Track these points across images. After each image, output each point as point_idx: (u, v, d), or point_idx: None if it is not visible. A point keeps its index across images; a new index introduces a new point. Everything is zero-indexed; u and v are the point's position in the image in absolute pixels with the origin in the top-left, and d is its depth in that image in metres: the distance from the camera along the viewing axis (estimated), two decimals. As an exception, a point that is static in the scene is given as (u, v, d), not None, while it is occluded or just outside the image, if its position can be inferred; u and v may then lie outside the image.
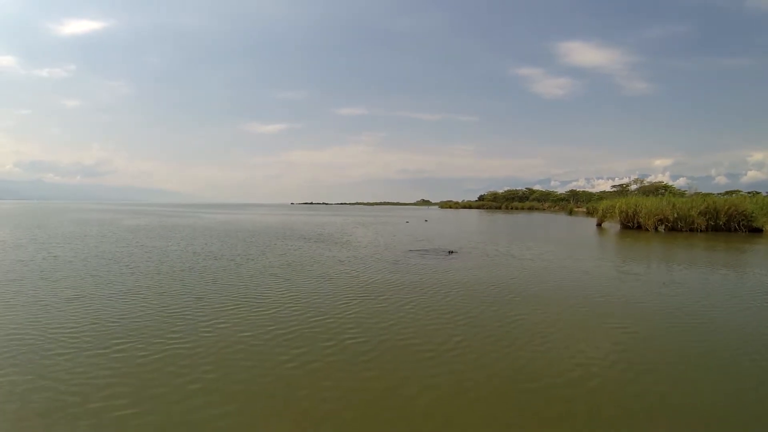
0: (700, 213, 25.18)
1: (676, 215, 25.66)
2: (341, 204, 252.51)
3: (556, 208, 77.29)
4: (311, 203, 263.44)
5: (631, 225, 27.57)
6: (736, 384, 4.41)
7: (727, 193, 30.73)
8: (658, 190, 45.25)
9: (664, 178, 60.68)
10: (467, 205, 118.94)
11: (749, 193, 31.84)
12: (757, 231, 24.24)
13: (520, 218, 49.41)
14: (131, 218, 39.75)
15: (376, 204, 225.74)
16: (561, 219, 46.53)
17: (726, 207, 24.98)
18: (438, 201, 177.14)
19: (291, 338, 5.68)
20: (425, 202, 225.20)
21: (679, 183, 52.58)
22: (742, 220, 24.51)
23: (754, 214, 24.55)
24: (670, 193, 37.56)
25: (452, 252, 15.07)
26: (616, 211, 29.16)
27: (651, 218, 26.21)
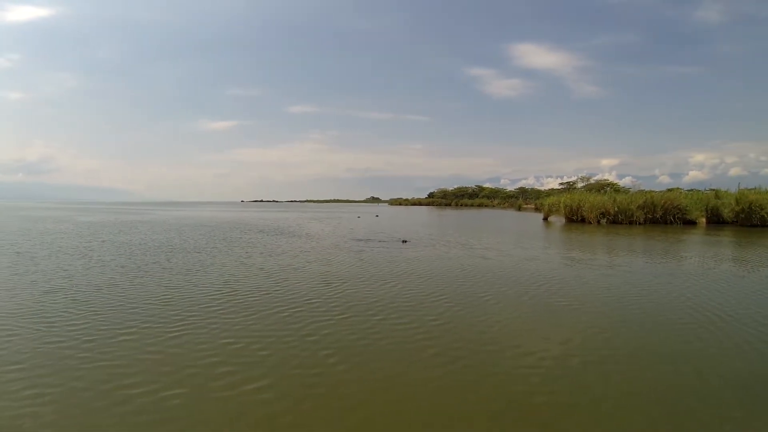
0: (638, 207, 26.59)
1: (616, 209, 26.90)
2: (291, 201, 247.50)
3: (505, 204, 79.33)
4: (261, 201, 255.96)
5: (576, 218, 28.47)
6: (682, 340, 4.99)
7: (668, 190, 32.27)
8: (603, 187, 47.15)
9: (611, 177, 63.53)
10: (417, 202, 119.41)
11: (689, 190, 33.70)
12: (691, 223, 25.70)
13: (469, 214, 50.33)
14: (85, 216, 38.28)
15: (326, 201, 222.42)
16: (509, 214, 48.01)
17: (662, 201, 26.47)
18: (388, 198, 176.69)
19: (282, 318, 5.83)
20: (375, 200, 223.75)
21: (625, 182, 55.27)
22: (677, 213, 25.98)
23: (688, 208, 26.10)
24: (613, 189, 39.07)
25: (405, 241, 15.98)
26: (562, 206, 29.85)
27: (594, 212, 27.19)
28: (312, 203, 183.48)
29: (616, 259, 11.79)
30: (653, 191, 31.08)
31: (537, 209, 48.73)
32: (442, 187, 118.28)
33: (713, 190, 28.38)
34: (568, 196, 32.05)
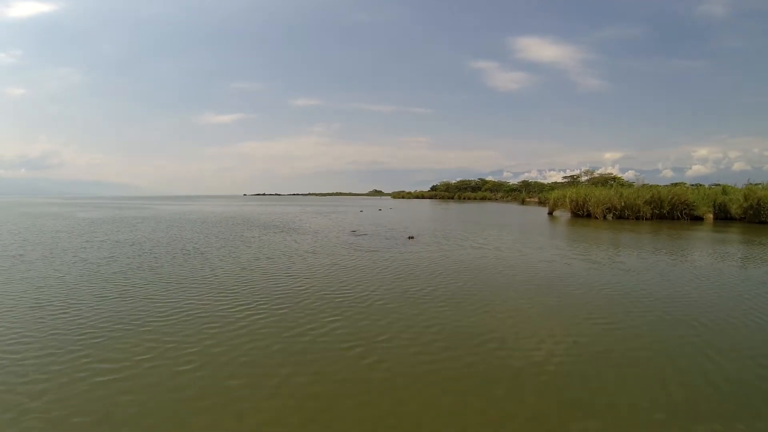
0: (645, 202, 26.28)
1: (623, 204, 26.63)
2: (294, 195, 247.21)
3: (509, 198, 78.90)
4: (263, 194, 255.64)
5: (581, 213, 28.19)
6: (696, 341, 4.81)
7: (672, 185, 31.89)
8: (607, 181, 46.65)
9: (614, 171, 63.00)
10: (419, 196, 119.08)
11: (693, 185, 33.29)
12: (698, 219, 25.41)
13: (473, 207, 50.03)
14: (86, 212, 37.61)
15: (329, 195, 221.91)
16: (513, 208, 47.68)
17: (670, 197, 26.08)
18: (390, 191, 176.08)
19: (316, 338, 5.40)
20: (377, 193, 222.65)
21: (628, 175, 54.93)
22: (685, 209, 25.63)
23: (695, 204, 25.78)
24: (618, 184, 38.64)
25: (412, 237, 16.03)
26: (567, 201, 29.57)
27: (600, 207, 26.93)
28: (315, 197, 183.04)
29: (632, 260, 11.53)
30: (658, 186, 30.68)
31: (541, 203, 48.47)
32: (445, 180, 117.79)
33: (719, 185, 28.05)
34: (574, 190, 31.68)
